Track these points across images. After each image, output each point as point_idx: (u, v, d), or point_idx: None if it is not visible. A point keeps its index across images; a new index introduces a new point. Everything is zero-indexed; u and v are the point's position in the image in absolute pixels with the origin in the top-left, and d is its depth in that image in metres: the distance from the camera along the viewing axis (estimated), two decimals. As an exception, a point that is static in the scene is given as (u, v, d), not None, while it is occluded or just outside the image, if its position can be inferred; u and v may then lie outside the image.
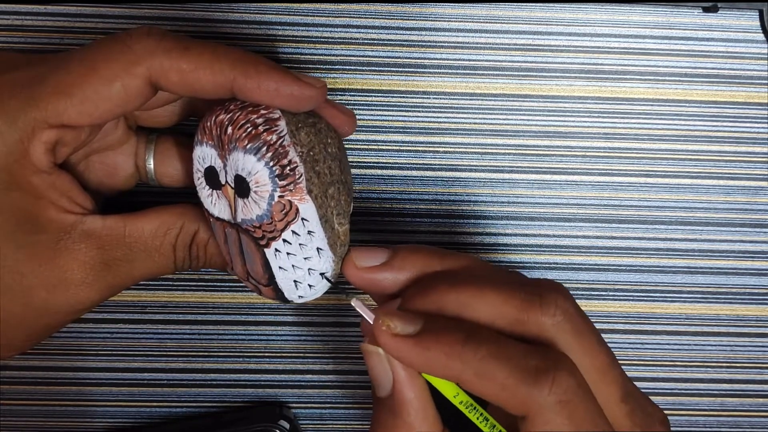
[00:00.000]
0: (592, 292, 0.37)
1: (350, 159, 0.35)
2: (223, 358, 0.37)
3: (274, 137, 0.27)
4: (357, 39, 0.35)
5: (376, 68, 0.35)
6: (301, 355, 0.37)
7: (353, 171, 0.35)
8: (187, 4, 0.34)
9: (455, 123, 0.35)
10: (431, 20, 0.35)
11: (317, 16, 0.34)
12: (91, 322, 0.36)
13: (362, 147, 0.35)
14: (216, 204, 0.29)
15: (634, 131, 0.36)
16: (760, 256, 0.37)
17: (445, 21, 0.35)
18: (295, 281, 0.29)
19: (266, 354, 0.37)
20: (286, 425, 0.35)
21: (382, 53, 0.35)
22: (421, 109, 0.35)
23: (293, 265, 0.28)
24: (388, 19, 0.35)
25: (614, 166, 0.36)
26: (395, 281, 0.28)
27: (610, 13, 0.35)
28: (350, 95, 0.35)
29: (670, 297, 0.37)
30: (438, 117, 0.35)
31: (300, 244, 0.28)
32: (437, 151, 0.36)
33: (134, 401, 0.37)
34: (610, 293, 0.37)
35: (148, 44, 0.26)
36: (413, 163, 0.36)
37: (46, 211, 0.28)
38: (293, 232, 0.27)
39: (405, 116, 0.35)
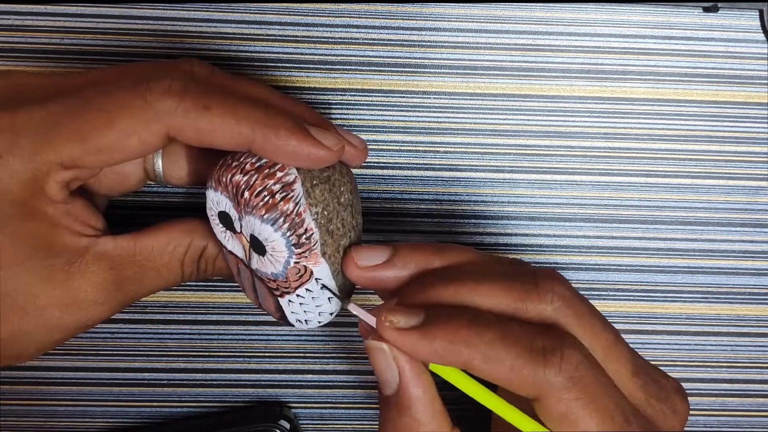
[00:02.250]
0: (592, 292, 0.37)
1: (350, 159, 0.35)
2: (223, 358, 0.37)
3: (291, 206, 0.27)
4: (357, 39, 0.35)
5: (376, 68, 0.35)
6: (301, 355, 0.37)
7: (354, 171, 0.35)
8: (187, 4, 0.34)
9: (455, 123, 0.35)
10: (431, 20, 0.35)
11: (317, 16, 0.34)
12: (91, 322, 0.36)
13: (362, 147, 0.35)
14: (230, 241, 0.29)
15: (634, 131, 0.36)
16: (760, 256, 0.37)
17: (445, 21, 0.35)
18: (306, 320, 0.30)
19: (266, 354, 0.37)
20: (286, 425, 0.35)
21: (382, 53, 0.35)
22: (421, 109, 0.35)
23: (305, 311, 0.29)
24: (388, 19, 0.35)
25: (614, 166, 0.36)
26: (397, 278, 0.28)
27: (610, 13, 0.35)
28: (350, 95, 0.35)
29: (670, 297, 0.37)
30: (438, 117, 0.35)
31: (313, 297, 0.28)
32: (437, 151, 0.36)
33: (134, 401, 0.37)
34: (610, 293, 0.37)
35: (168, 104, 0.26)
36: (414, 163, 0.36)
37: (61, 237, 0.28)
38: (307, 289, 0.28)
39: (405, 116, 0.35)
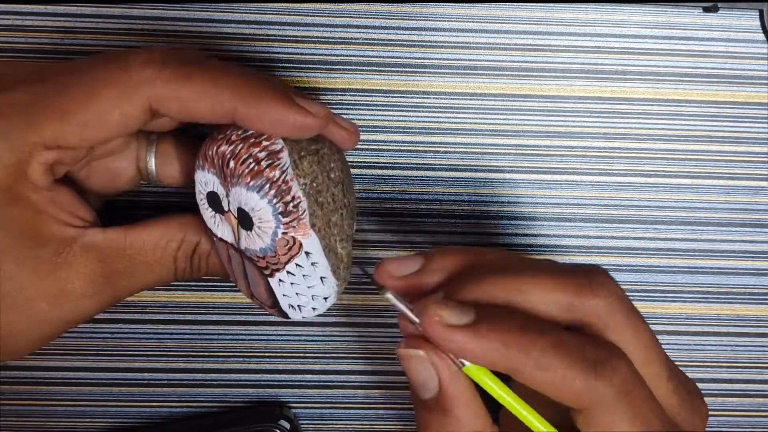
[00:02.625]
0: (592, 292, 0.37)
1: (350, 159, 0.35)
2: (223, 358, 0.37)
3: (277, 173, 0.26)
4: (357, 39, 0.35)
5: (376, 68, 0.35)
6: (301, 355, 0.37)
7: (354, 171, 0.35)
8: (187, 4, 0.34)
9: (455, 123, 0.35)
10: (431, 20, 0.35)
11: (317, 16, 0.34)
12: (91, 322, 0.36)
13: (362, 147, 0.35)
14: (219, 226, 0.29)
15: (634, 131, 0.36)
16: (760, 256, 0.37)
17: (445, 21, 0.35)
18: (299, 306, 0.29)
19: (266, 354, 0.37)
20: (286, 425, 0.35)
21: (382, 53, 0.35)
22: (421, 109, 0.35)
23: (297, 293, 0.28)
24: (388, 19, 0.35)
25: (614, 166, 0.36)
26: (433, 282, 0.27)
27: (610, 13, 0.35)
28: (350, 95, 0.35)
29: (670, 297, 0.37)
30: (438, 117, 0.35)
31: (304, 275, 0.28)
32: (437, 151, 0.36)
33: (134, 401, 0.37)
34: (610, 293, 0.37)
35: (148, 73, 0.26)
36: (413, 163, 0.36)
37: (47, 225, 0.28)
38: (297, 264, 0.28)
39: (405, 116, 0.35)
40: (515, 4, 0.35)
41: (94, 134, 0.27)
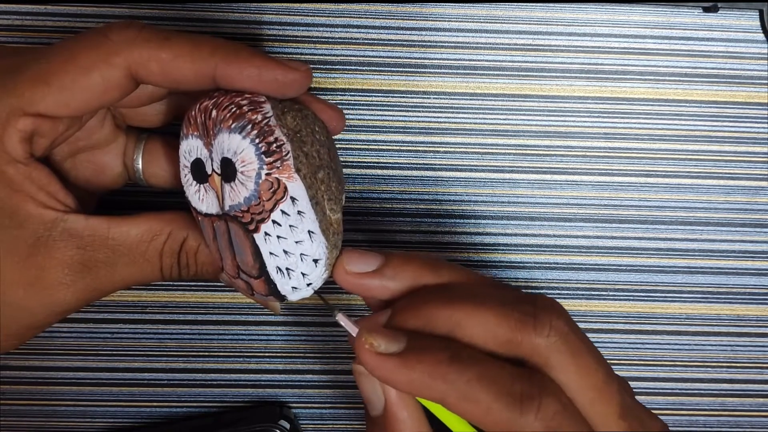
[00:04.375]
0: (592, 292, 0.37)
1: (350, 159, 0.35)
2: (223, 358, 0.37)
3: (260, 116, 0.26)
4: (357, 39, 0.35)
5: (376, 68, 0.35)
6: (301, 355, 0.37)
7: (353, 171, 0.35)
8: (187, 4, 0.34)
9: (455, 123, 0.35)
10: (431, 20, 0.35)
11: (317, 16, 0.34)
12: (91, 322, 0.36)
13: (362, 147, 0.35)
14: (204, 199, 0.28)
15: (634, 131, 0.36)
16: (760, 256, 0.37)
17: (445, 21, 0.35)
18: (287, 269, 0.27)
19: (266, 354, 0.37)
20: (286, 425, 0.35)
21: (382, 53, 0.35)
22: (421, 109, 0.35)
23: (284, 250, 0.27)
24: (388, 19, 0.35)
25: (614, 166, 0.36)
26: (386, 289, 0.27)
27: (610, 13, 0.35)
28: (350, 95, 0.35)
29: (670, 297, 0.37)
30: (438, 117, 0.35)
31: (290, 226, 0.27)
32: (437, 151, 0.36)
33: (134, 401, 0.37)
34: (610, 293, 0.37)
35: (128, 35, 0.26)
36: (413, 163, 0.36)
37: (25, 204, 0.27)
38: (282, 211, 0.26)
39: (405, 116, 0.35)
40: (515, 4, 0.35)
41: (73, 99, 0.26)
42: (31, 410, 0.37)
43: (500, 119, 0.35)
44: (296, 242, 0.27)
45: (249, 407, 0.37)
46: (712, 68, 0.36)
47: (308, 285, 0.28)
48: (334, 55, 0.35)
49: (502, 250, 0.36)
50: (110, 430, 0.37)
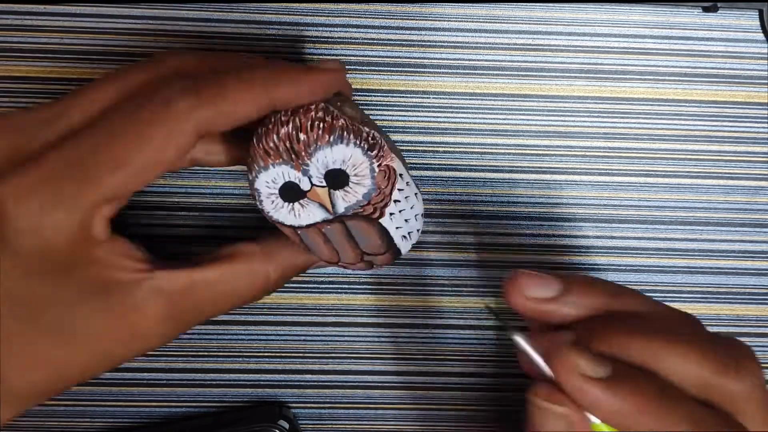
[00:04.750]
0: (592, 292, 0.37)
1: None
2: (223, 358, 0.37)
3: (342, 121, 0.28)
4: (357, 39, 0.35)
5: (376, 68, 0.35)
6: (301, 355, 0.37)
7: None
8: (187, 4, 0.34)
9: (455, 123, 0.35)
10: (431, 20, 0.35)
11: (317, 16, 0.34)
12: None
13: (362, 147, 0.35)
14: (301, 214, 0.29)
15: (634, 131, 0.36)
16: (760, 256, 0.37)
17: (445, 21, 0.35)
18: (409, 233, 0.31)
19: (266, 354, 0.37)
20: (286, 425, 0.35)
21: (382, 53, 0.35)
22: (421, 109, 0.35)
23: (406, 220, 0.30)
24: (388, 19, 0.35)
25: (614, 166, 0.36)
26: (565, 315, 0.26)
27: (610, 13, 0.35)
28: (350, 95, 0.35)
29: (670, 297, 0.37)
30: (438, 117, 0.35)
31: (406, 197, 0.30)
32: (437, 151, 0.36)
33: (133, 401, 0.37)
34: (610, 293, 0.37)
35: (189, 101, 0.26)
36: (413, 163, 0.36)
37: (112, 274, 0.27)
38: (398, 189, 0.29)
39: (405, 116, 0.35)
40: (515, 4, 0.35)
41: (151, 174, 0.27)
42: (31, 410, 0.37)
43: (500, 119, 0.35)
44: (411, 207, 0.30)
45: (248, 407, 0.37)
46: (712, 68, 0.36)
47: (417, 231, 0.31)
48: (333, 55, 0.35)
49: (502, 250, 0.36)
50: (109, 430, 0.37)
